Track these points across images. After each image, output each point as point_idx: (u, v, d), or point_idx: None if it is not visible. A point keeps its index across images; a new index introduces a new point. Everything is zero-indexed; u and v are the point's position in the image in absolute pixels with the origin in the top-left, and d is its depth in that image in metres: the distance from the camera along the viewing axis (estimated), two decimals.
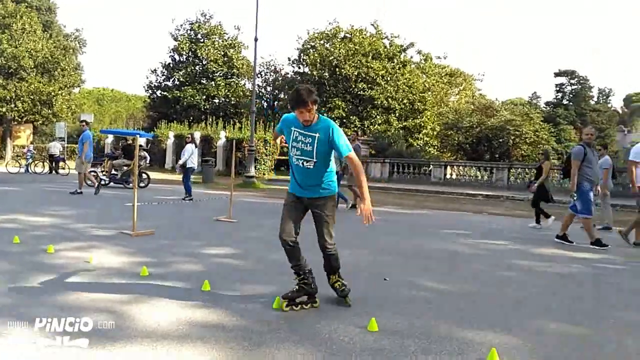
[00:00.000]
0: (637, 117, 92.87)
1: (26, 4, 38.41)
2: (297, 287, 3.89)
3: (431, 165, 23.51)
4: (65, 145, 29.06)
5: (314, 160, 3.68)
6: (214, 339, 3.18)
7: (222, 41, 39.67)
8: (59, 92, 36.10)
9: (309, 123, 3.66)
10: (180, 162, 12.91)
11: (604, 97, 65.59)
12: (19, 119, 35.91)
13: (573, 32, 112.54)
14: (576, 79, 57.41)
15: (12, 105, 34.27)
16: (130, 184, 15.06)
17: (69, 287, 4.25)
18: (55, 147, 23.63)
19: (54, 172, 22.51)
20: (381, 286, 4.69)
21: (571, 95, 57.53)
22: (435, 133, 34.59)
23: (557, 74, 57.91)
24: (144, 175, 16.04)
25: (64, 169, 23.24)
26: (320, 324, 3.54)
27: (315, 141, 3.65)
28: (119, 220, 8.27)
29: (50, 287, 4.24)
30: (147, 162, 17.53)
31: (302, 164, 3.72)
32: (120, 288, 4.26)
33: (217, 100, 39.43)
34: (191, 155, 12.82)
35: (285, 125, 3.86)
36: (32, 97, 34.68)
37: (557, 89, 58.37)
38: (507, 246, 7.43)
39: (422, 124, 34.01)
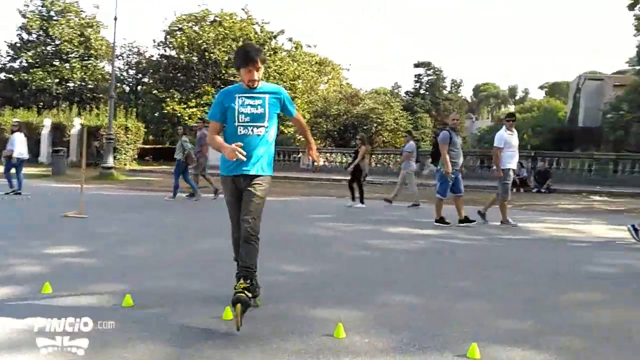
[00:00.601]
0: (484, 105, 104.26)
1: None
2: (246, 278, 3.38)
3: (300, 153, 24.04)
4: None
5: (265, 125, 3.46)
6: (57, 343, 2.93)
7: (79, 20, 36.20)
8: None
9: (254, 84, 3.43)
10: (15, 154, 11.47)
11: (455, 87, 72.03)
12: None
13: (434, 24, 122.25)
14: (432, 70, 62.41)
15: None
16: None
17: None
18: None
19: None
20: None
21: (427, 85, 62.45)
22: (305, 121, 35.42)
23: (416, 65, 62.41)
24: None
25: None
26: (173, 317, 3.46)
27: (266, 102, 3.46)
28: None
29: None
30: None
31: (252, 131, 3.44)
32: None
33: (71, 84, 36.01)
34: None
35: (227, 97, 3.52)
36: None
37: (416, 79, 62.98)
38: (362, 227, 7.92)
39: None
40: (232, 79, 30.93)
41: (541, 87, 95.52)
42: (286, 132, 32.97)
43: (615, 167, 19.44)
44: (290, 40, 39.42)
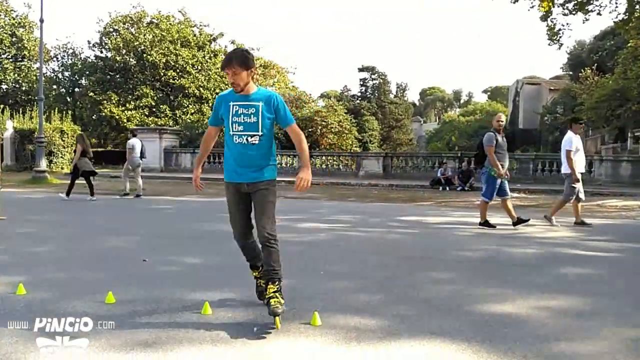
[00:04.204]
0: (431, 108, 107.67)
1: None
2: (258, 283, 3.79)
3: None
4: None
5: (260, 133, 3.37)
6: None
7: (10, 19, 34.93)
8: None
9: (237, 88, 3.38)
10: None
11: (401, 90, 73.98)
12: None
13: (374, 30, 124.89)
14: (376, 74, 63.98)
15: None
16: None
17: None
18: None
19: None
20: (138, 266, 5.11)
21: (373, 89, 63.97)
22: None
23: (360, 69, 63.79)
24: None
25: None
26: (60, 303, 3.83)
27: (260, 110, 3.36)
28: None
29: None
30: None
31: (247, 140, 3.38)
32: None
33: (4, 86, 34.73)
34: None
35: (223, 102, 3.51)
36: None
37: (361, 83, 64.40)
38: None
39: None
40: (171, 81, 30.86)
41: (485, 91, 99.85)
42: None
43: (535, 166, 20.87)
44: (232, 42, 39.56)
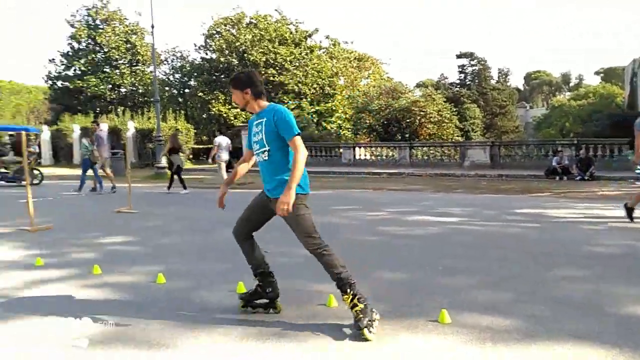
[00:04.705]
0: (537, 93, 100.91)
1: None
2: (253, 288, 3.67)
3: (341, 148, 24.53)
4: None
5: (266, 148, 3.38)
6: (102, 310, 3.64)
7: (123, 27, 38.12)
8: None
9: (240, 108, 3.56)
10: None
11: (503, 76, 70.18)
12: None
13: (473, 16, 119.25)
14: (476, 60, 61.21)
15: None
16: (24, 181, 14.64)
17: None
18: None
19: None
20: None
21: (472, 76, 61.32)
22: (347, 116, 35.85)
23: (458, 56, 61.41)
24: (36, 172, 15.50)
25: None
26: (198, 291, 4.10)
27: (263, 126, 3.38)
28: (17, 217, 8.27)
29: None
30: (38, 157, 17.09)
31: (261, 157, 3.45)
32: (14, 277, 4.57)
33: (123, 90, 38.08)
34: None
35: (249, 125, 3.61)
36: None
37: (460, 70, 61.98)
38: (382, 216, 8.37)
39: (334, 108, 35.08)
40: (271, 78, 31.87)
41: (597, 73, 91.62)
42: (329, 127, 33.55)
43: None
44: (327, 37, 39.95)
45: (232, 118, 30.54)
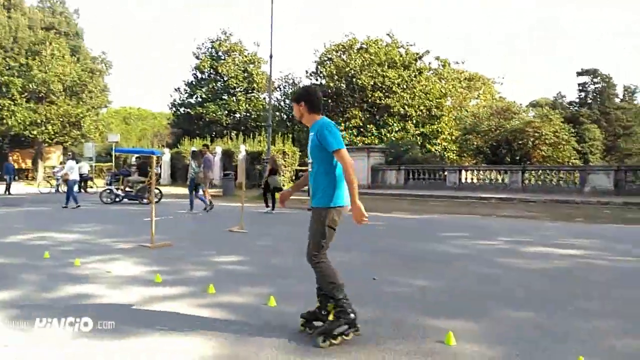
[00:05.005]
0: None
1: (55, 30, 40.34)
2: (333, 316, 3.53)
3: (446, 171, 23.73)
4: (94, 164, 30.29)
5: (311, 160, 3.60)
6: (215, 331, 3.70)
7: (242, 57, 40.81)
8: (87, 113, 37.74)
9: (298, 117, 3.70)
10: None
11: (630, 94, 64.15)
12: (49, 141, 37.60)
13: (594, 28, 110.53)
14: (599, 77, 56.58)
15: (43, 128, 35.94)
16: (145, 200, 15.92)
17: (86, 293, 4.85)
18: (84, 167, 24.63)
19: (82, 190, 23.52)
20: (369, 284, 5.15)
21: (594, 94, 56.68)
22: (453, 138, 34.75)
23: (579, 73, 57.27)
24: (157, 191, 16.79)
25: (92, 187, 24.31)
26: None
27: (310, 140, 3.60)
28: (139, 234, 8.92)
29: (68, 293, 4.84)
30: (159, 177, 18.55)
31: (310, 167, 3.69)
32: (135, 293, 4.84)
33: (238, 115, 40.48)
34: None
35: None
36: (61, 119, 36.32)
37: (580, 88, 57.66)
38: (497, 246, 7.79)
39: (440, 130, 34.22)
40: (378, 101, 31.94)
41: None
42: (433, 150, 32.73)
43: None
44: (437, 59, 39.29)
45: None
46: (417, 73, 34.19)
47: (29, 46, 37.46)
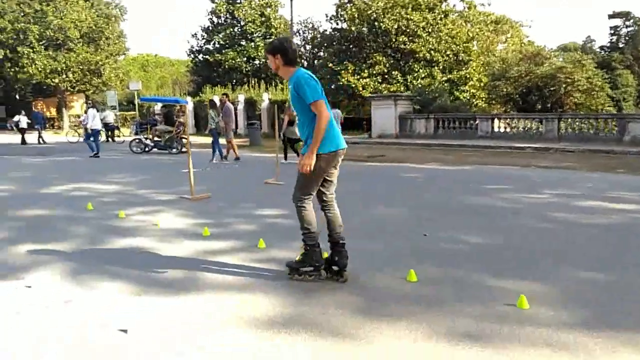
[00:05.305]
0: None
1: None
2: (300, 257, 3.87)
3: (477, 119, 23.09)
4: (118, 113, 30.28)
5: (294, 113, 3.83)
6: (271, 288, 3.65)
7: (259, 1, 39.49)
8: (106, 60, 37.41)
9: (274, 69, 3.76)
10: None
11: None
12: (71, 89, 37.59)
13: None
14: (631, 20, 53.71)
15: (64, 76, 35.83)
16: (174, 150, 15.91)
17: (144, 248, 4.83)
18: (110, 116, 24.58)
19: (109, 140, 23.64)
20: (420, 241, 5.02)
21: (627, 38, 54.03)
22: (482, 85, 33.70)
23: (611, 16, 54.35)
24: (184, 140, 16.72)
25: (119, 136, 24.39)
26: (364, 275, 3.94)
27: (289, 92, 3.78)
28: (176, 185, 8.91)
29: (127, 249, 4.83)
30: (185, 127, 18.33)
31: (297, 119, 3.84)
32: (187, 247, 4.81)
33: (257, 62, 39.67)
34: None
35: None
36: (81, 67, 36.11)
37: (612, 32, 54.96)
38: (548, 199, 7.53)
39: (468, 76, 33.15)
40: (402, 46, 30.90)
41: None
42: (461, 97, 31.87)
43: None
44: (462, 0, 37.61)
45: (361, 88, 30.26)
46: (442, 16, 32.75)
47: None
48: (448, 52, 31.95)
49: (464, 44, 32.64)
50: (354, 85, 30.22)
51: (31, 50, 34.77)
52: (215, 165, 12.79)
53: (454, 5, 35.54)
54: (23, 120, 23.78)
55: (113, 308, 3.33)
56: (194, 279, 3.90)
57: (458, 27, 32.83)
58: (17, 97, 41.41)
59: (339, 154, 3.69)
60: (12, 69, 35.44)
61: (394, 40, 31.05)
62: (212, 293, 3.59)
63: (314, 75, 3.69)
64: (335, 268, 3.82)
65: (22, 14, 35.38)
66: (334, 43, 33.77)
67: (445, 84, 31.38)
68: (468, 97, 32.66)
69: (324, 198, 3.87)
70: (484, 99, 34.14)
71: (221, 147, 13.75)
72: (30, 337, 2.93)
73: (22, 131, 23.34)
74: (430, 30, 31.43)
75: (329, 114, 3.53)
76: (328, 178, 3.80)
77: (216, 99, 17.34)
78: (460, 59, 32.81)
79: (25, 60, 34.59)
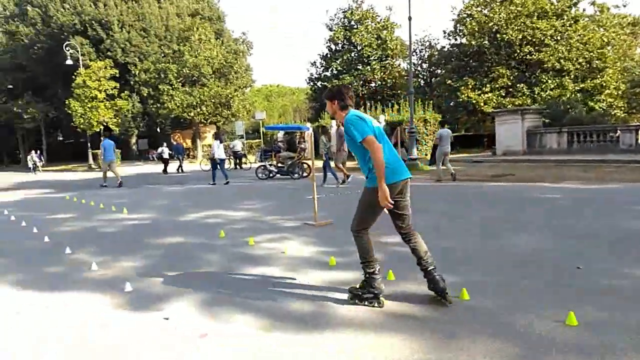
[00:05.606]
0: None
1: (200, 15, 43.37)
2: (362, 284, 4.03)
3: (618, 131, 20.73)
4: (245, 141, 32.20)
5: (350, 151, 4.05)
6: (407, 329, 3.38)
7: (375, 24, 40.00)
8: (235, 93, 40.20)
9: (332, 113, 4.06)
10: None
11: None
12: (204, 121, 40.87)
13: None
14: None
15: (198, 110, 39.12)
16: (296, 175, 16.34)
17: (274, 277, 4.86)
18: (238, 145, 26.25)
19: (237, 167, 25.15)
20: (574, 275, 4.41)
21: None
22: (620, 93, 30.42)
23: None
24: (305, 166, 17.10)
25: (245, 164, 25.86)
26: (514, 316, 3.51)
27: (345, 135, 3.97)
28: (299, 211, 9.05)
29: (257, 279, 4.89)
30: (306, 152, 18.76)
31: None
32: (315, 277, 4.74)
33: (373, 84, 39.96)
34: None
35: None
36: (213, 100, 39.16)
37: None
38: None
39: (604, 84, 30.16)
40: (527, 57, 29.11)
41: None
42: (597, 107, 29.01)
43: None
44: (592, 4, 34.56)
45: (482, 104, 28.93)
46: (572, 22, 30.30)
47: (179, 33, 40.83)
48: (580, 60, 29.44)
49: (598, 50, 29.86)
50: (474, 101, 28.99)
51: (170, 88, 38.56)
52: (335, 190, 12.86)
53: (584, 10, 32.77)
54: (165, 151, 26.30)
55: (239, 345, 3.31)
56: (324, 314, 3.77)
57: (590, 33, 30.16)
58: (158, 130, 46.09)
59: (397, 186, 3.81)
60: (154, 105, 39.56)
61: (518, 51, 29.39)
62: (346, 331, 3.43)
63: (362, 114, 3.87)
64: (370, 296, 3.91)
65: (163, 55, 39.53)
66: (453, 59, 32.88)
67: (578, 94, 28.81)
68: (605, 107, 29.65)
69: (401, 231, 4.01)
70: (622, 108, 30.79)
71: (334, 171, 13.85)
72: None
73: (165, 161, 25.76)
74: (558, 37, 29.27)
75: (380, 145, 3.69)
76: (397, 211, 3.90)
77: (334, 124, 17.63)
78: (594, 66, 30.04)
79: (165, 96, 38.42)
